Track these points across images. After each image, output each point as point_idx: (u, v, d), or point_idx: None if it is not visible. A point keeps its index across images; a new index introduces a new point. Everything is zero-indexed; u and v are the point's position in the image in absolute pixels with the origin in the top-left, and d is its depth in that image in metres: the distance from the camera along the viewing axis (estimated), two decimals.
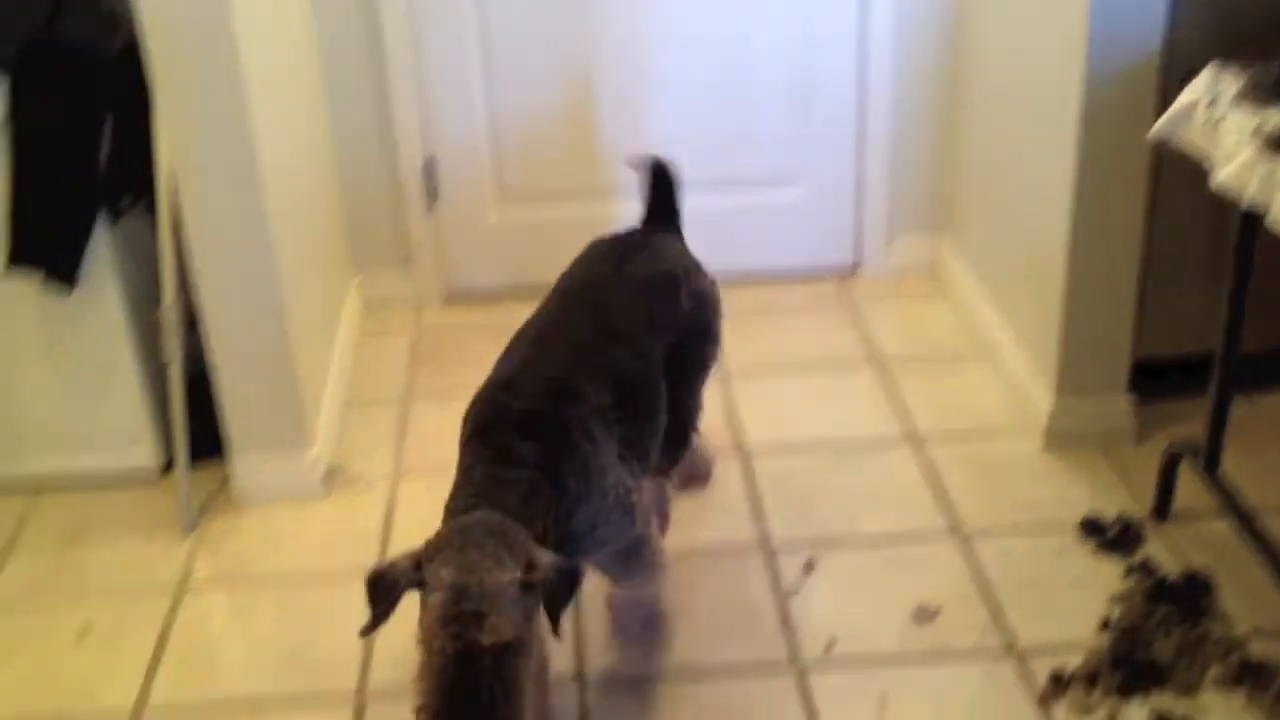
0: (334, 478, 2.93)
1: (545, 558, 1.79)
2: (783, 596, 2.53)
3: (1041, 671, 2.30)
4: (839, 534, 2.70)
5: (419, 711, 1.71)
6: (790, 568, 2.61)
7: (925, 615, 2.46)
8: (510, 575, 1.73)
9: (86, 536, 2.81)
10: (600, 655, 2.41)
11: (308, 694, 2.36)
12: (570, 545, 1.97)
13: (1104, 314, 2.80)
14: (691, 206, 3.73)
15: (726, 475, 2.90)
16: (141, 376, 2.87)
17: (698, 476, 2.80)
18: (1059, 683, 2.27)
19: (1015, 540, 2.65)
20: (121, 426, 2.91)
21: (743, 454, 2.98)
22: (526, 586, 1.73)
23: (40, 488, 2.94)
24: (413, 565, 1.76)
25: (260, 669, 2.43)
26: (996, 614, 2.45)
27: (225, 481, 2.91)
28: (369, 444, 3.09)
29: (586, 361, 2.12)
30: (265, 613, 2.58)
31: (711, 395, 3.19)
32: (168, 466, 2.96)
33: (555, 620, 1.77)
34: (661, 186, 2.55)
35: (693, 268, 2.46)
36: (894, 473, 2.89)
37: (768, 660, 2.38)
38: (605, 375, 2.12)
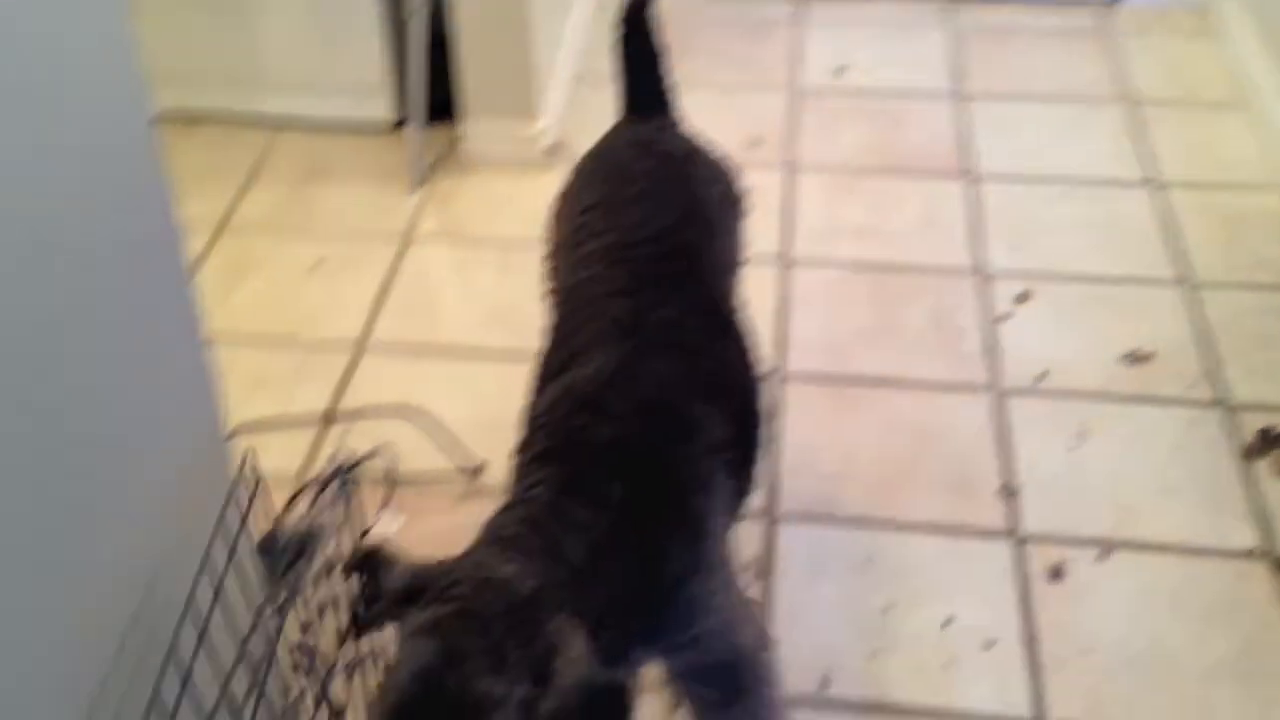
0: (558, 150, 2.96)
1: (571, 666, 1.11)
2: (992, 322, 2.50)
3: (1250, 428, 2.26)
4: (1060, 269, 2.63)
5: None
6: (1004, 294, 2.57)
7: (1138, 358, 2.41)
8: (502, 690, 1.08)
9: (322, 177, 2.94)
10: (800, 355, 2.45)
11: (516, 349, 2.46)
12: (651, 642, 1.35)
13: None
14: None
15: (950, 198, 2.84)
16: (384, 28, 2.91)
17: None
18: (1266, 439, 2.22)
19: (1246, 296, 2.54)
20: (361, 76, 2.99)
21: (971, 177, 2.90)
22: (527, 711, 1.09)
23: (281, 127, 3.07)
24: (406, 585, 1.17)
25: (474, 320, 2.54)
26: (1212, 366, 2.39)
27: (455, 143, 2.98)
28: (596, 120, 3.08)
29: (696, 370, 1.48)
30: (482, 270, 2.67)
31: (945, 116, 3.10)
32: (401, 122, 3.04)
33: None
34: (644, 52, 1.88)
35: (725, 159, 1.85)
36: (1128, 214, 2.78)
37: (968, 381, 2.38)
38: (719, 390, 1.49)
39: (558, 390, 1.46)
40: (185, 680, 1.15)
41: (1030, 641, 1.94)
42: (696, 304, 1.56)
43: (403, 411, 2.29)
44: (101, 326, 1.08)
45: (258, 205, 2.85)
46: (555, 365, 1.53)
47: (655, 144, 1.78)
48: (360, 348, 2.47)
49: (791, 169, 2.93)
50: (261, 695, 1.01)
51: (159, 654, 1.17)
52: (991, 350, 2.44)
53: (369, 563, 1.18)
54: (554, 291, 1.68)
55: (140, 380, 1.16)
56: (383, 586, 1.16)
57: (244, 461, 1.40)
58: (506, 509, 1.32)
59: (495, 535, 1.27)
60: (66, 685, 1.03)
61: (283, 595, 1.14)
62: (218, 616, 1.24)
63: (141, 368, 1.16)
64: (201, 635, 1.20)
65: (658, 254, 1.59)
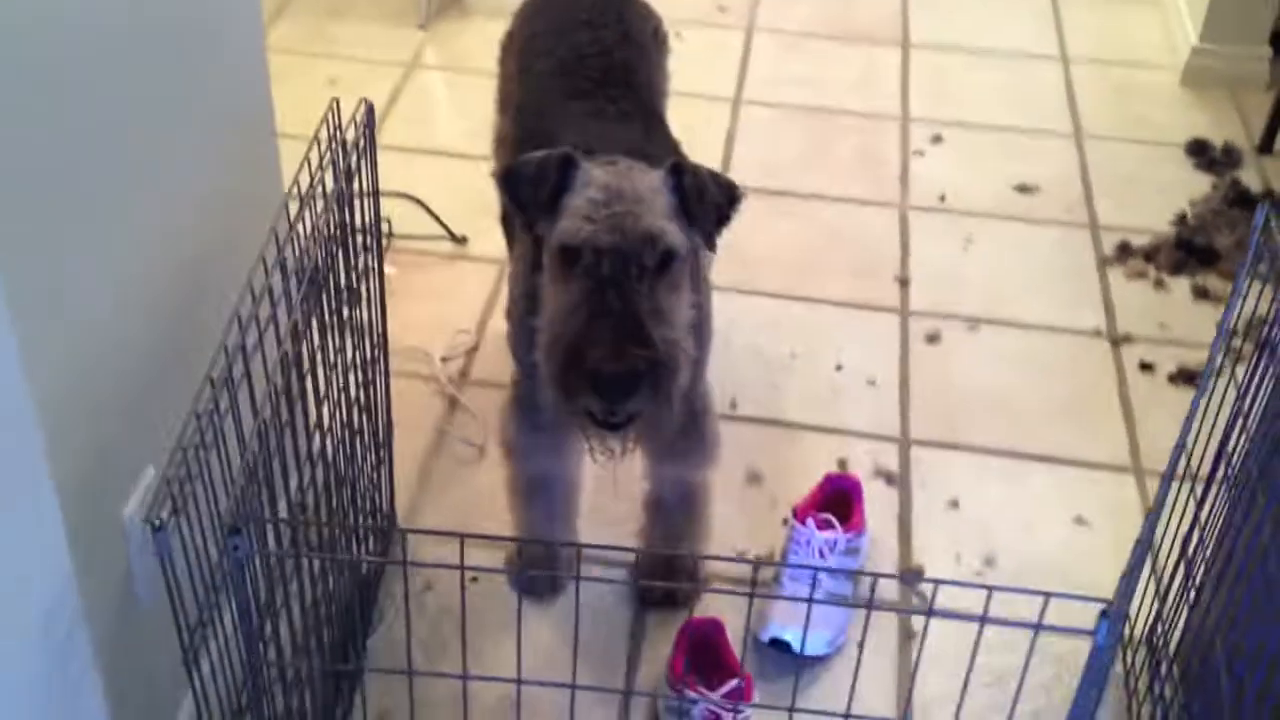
0: None
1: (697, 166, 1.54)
2: (907, 155, 2.93)
3: (1113, 243, 2.69)
4: (970, 119, 3.06)
5: (549, 348, 1.45)
6: (920, 137, 3.00)
7: (1025, 189, 2.84)
8: (664, 181, 1.50)
9: (340, 16, 3.36)
10: (740, 171, 2.87)
11: None
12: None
13: None
14: None
15: (885, 61, 3.27)
16: None
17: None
18: (1123, 251, 2.65)
19: (1125, 147, 2.98)
20: None
21: (904, 46, 3.32)
22: (682, 199, 1.50)
23: None
24: (559, 154, 1.50)
25: (463, 131, 2.97)
26: (1088, 197, 2.82)
27: None
28: None
29: (651, 139, 1.84)
30: (476, 95, 3.07)
31: None
32: None
33: (710, 237, 1.54)
34: None
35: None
36: (1036, 81, 3.21)
37: (881, 198, 2.81)
38: (673, 153, 1.83)
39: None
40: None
41: (904, 384, 2.37)
42: (638, 104, 1.90)
43: (403, 194, 2.73)
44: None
45: (283, 34, 3.26)
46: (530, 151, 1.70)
47: None
48: None
49: (749, 30, 3.35)
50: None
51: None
52: (903, 177, 2.87)
53: (516, 176, 1.52)
54: (516, 106, 1.98)
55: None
56: (534, 167, 1.50)
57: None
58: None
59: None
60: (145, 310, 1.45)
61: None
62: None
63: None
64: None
65: (602, 66, 1.91)
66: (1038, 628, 1.19)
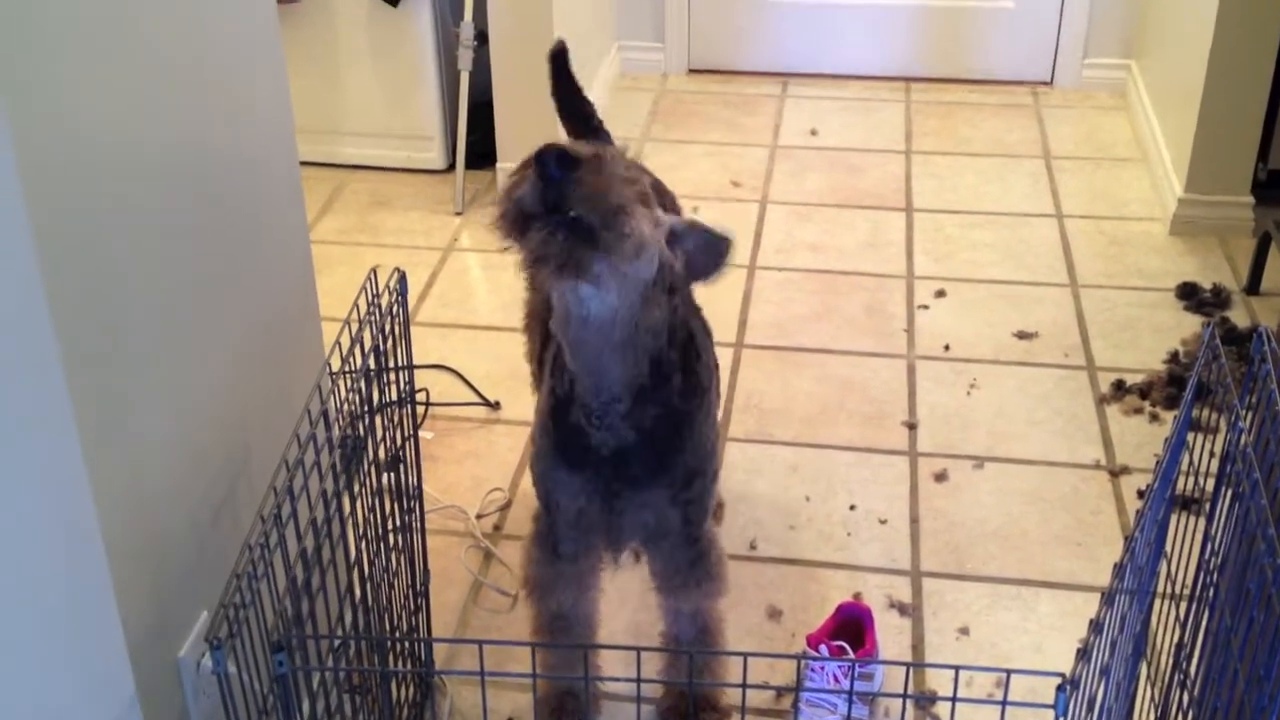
0: None
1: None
2: (912, 309, 3.11)
3: (1109, 383, 2.83)
4: (970, 275, 3.25)
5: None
6: (924, 292, 3.19)
7: (1024, 335, 3.00)
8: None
9: (383, 207, 3.63)
10: (755, 331, 3.06)
11: None
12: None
13: (1232, 125, 3.24)
14: (915, 6, 4.22)
15: (890, 225, 3.48)
16: (439, 88, 3.63)
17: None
18: (1119, 389, 2.80)
19: (1119, 294, 3.15)
20: (419, 128, 3.70)
21: (908, 211, 3.54)
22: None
23: (353, 168, 3.78)
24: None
25: (495, 306, 3.19)
26: (1085, 341, 2.98)
27: (492, 181, 3.66)
28: None
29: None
30: (505, 273, 3.30)
31: (894, 166, 3.76)
32: (450, 167, 3.73)
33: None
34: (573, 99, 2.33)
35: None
36: (1033, 237, 3.41)
37: (889, 350, 2.99)
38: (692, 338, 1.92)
39: None
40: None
41: (914, 520, 2.50)
42: None
43: (440, 366, 2.93)
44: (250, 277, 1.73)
45: (331, 226, 3.53)
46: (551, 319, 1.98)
47: (601, 146, 2.28)
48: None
49: (763, 202, 3.59)
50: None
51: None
52: (909, 330, 3.05)
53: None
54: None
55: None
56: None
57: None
58: None
59: None
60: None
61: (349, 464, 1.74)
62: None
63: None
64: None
65: None
66: (1004, 704, 1.31)
